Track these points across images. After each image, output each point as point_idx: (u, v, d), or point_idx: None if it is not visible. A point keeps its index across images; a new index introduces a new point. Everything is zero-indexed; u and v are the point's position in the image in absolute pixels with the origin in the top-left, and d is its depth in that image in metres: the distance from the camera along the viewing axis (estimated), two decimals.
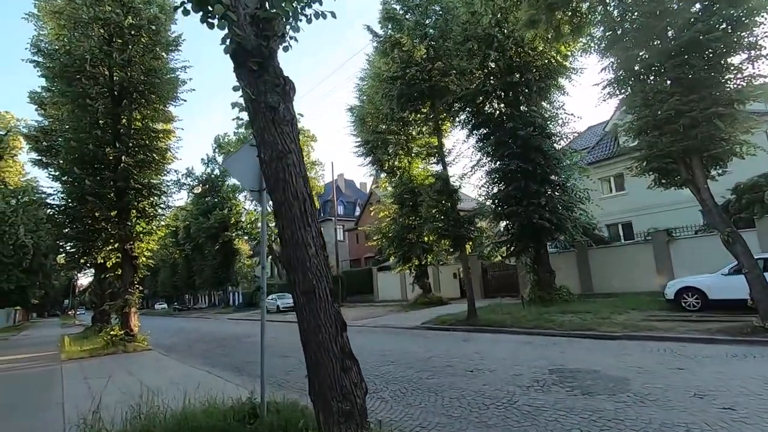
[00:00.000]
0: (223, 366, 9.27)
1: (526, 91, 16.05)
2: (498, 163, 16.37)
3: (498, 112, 16.96)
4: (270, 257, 48.07)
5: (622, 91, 10.16)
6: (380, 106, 21.67)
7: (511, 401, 4.99)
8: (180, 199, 77.24)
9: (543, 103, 16.61)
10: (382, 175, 24.05)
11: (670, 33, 9.02)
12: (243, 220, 44.74)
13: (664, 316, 10.83)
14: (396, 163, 22.48)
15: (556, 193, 15.95)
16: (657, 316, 10.97)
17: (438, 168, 14.29)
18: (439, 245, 17.18)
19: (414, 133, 22.03)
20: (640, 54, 9.39)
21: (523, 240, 15.85)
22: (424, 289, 22.30)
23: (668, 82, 9.10)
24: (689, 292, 11.29)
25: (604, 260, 18.31)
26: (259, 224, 37.29)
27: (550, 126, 16.29)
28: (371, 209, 25.15)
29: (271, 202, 3.55)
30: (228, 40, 3.35)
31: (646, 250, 16.83)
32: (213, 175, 46.07)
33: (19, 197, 29.12)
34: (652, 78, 9.48)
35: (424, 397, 5.51)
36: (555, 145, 16.01)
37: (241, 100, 3.54)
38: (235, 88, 3.51)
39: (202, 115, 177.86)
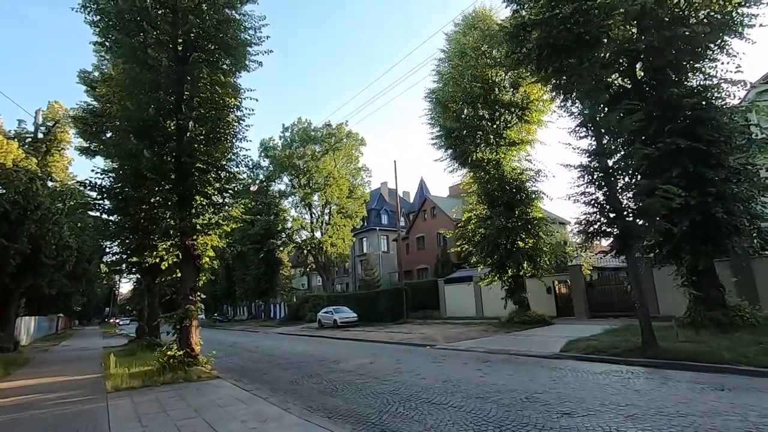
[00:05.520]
0: (348, 418, 5.92)
1: (690, 48, 12.39)
2: (650, 143, 12.67)
3: (636, 81, 13.42)
4: (313, 266, 45.23)
5: None
6: (468, 86, 18.55)
7: None
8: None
9: (705, 64, 12.87)
10: (464, 170, 20.57)
11: None
12: (289, 227, 42.15)
13: None
14: (487, 154, 18.98)
15: (734, 180, 12.04)
16: None
17: (589, 142, 10.64)
18: (580, 246, 13.45)
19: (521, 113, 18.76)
20: None
21: (691, 243, 11.94)
22: (521, 306, 18.42)
23: None
24: None
25: None
26: (304, 233, 33.83)
27: (718, 93, 12.51)
28: (462, 210, 21.63)
29: None
30: None
31: None
32: (258, 180, 43.98)
33: (66, 200, 27.55)
34: None
35: None
36: (731, 117, 12.17)
37: None
38: None
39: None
